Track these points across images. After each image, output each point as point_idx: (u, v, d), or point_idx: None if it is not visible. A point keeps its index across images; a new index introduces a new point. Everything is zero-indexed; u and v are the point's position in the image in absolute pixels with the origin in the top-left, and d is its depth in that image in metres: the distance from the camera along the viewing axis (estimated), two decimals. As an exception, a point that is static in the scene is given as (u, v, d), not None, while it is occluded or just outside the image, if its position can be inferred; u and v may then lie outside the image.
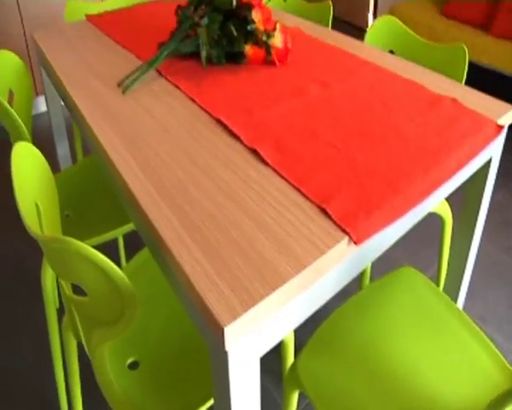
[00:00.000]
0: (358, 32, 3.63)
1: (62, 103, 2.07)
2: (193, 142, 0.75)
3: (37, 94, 2.40)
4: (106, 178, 1.19)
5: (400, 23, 1.27)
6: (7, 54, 1.19)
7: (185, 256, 0.53)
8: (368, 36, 1.30)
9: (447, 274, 1.09)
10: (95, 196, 1.14)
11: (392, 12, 2.63)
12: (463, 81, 1.08)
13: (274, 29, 1.02)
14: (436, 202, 0.76)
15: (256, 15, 1.02)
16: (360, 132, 0.76)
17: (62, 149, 1.40)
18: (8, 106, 0.92)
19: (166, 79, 0.97)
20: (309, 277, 0.53)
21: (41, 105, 2.46)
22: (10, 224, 1.66)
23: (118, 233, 1.02)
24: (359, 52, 1.11)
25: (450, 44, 1.13)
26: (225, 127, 0.78)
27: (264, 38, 0.99)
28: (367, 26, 3.69)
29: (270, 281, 0.50)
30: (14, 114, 0.92)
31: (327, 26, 1.42)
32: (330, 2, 1.44)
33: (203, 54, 0.95)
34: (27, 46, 2.36)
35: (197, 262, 0.53)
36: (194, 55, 1.05)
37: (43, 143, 1.99)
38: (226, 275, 0.51)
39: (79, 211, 1.09)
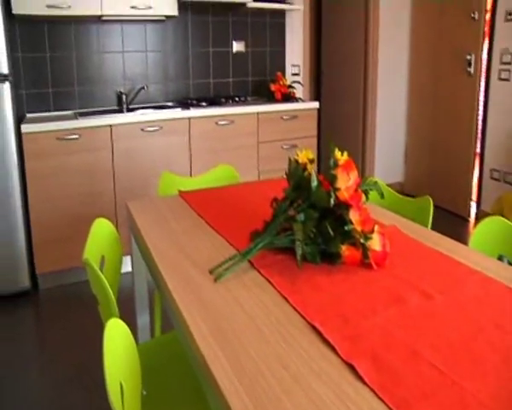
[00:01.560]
0: (460, 221, 3.88)
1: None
2: (285, 345, 0.91)
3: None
4: (186, 360, 1.35)
5: (510, 224, 1.44)
6: (103, 222, 1.54)
7: None
8: (473, 238, 1.47)
9: None
10: (173, 376, 1.30)
11: (501, 202, 2.86)
12: None
13: (372, 231, 1.24)
14: None
15: (354, 215, 1.26)
16: (468, 356, 0.86)
17: (142, 320, 1.63)
18: (103, 278, 1.18)
19: (259, 271, 1.20)
20: None
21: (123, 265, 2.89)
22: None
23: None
24: (464, 258, 1.27)
25: None
26: (320, 334, 0.94)
27: (361, 240, 1.21)
28: (469, 216, 3.95)
29: None
30: (108, 287, 1.17)
31: (427, 223, 1.63)
32: (430, 199, 1.69)
33: (298, 252, 1.18)
34: (116, 208, 2.93)
35: None
36: (288, 249, 1.28)
37: (125, 305, 2.28)
38: None
39: (156, 389, 1.24)
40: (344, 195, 1.24)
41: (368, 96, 4.51)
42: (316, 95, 5.39)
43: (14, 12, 2.74)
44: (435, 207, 4.17)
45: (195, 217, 1.61)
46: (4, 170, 2.68)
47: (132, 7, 3.02)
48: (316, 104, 3.55)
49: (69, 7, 2.85)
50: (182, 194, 1.86)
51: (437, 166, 4.26)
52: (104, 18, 3.06)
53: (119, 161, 2.95)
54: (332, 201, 1.26)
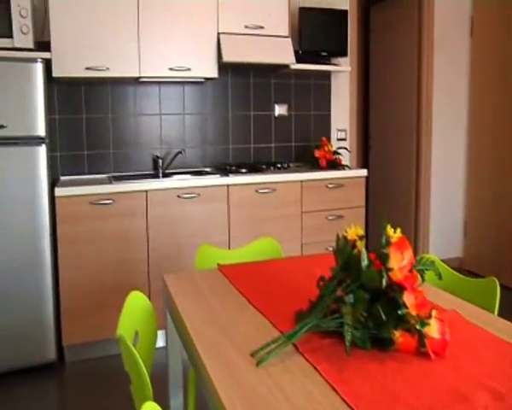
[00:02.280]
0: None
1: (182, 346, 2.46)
2: (334, 441, 0.92)
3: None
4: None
5: None
6: (138, 295, 1.61)
7: None
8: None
9: None
10: None
11: None
12: None
13: (429, 316, 1.25)
14: None
15: (408, 299, 1.28)
16: None
17: (176, 402, 1.66)
18: (138, 358, 1.24)
19: (304, 356, 1.22)
20: None
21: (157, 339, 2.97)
22: None
23: None
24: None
25: None
26: (372, 430, 0.95)
27: (417, 326, 1.23)
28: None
29: None
30: (143, 368, 1.22)
31: (493, 308, 1.62)
32: (496, 280, 1.68)
33: (347, 337, 1.21)
34: (149, 278, 3.05)
35: None
36: (336, 332, 1.31)
37: (157, 382, 2.31)
38: None
39: None
40: (397, 275, 1.27)
41: (421, 164, 4.57)
42: (363, 162, 5.49)
43: (54, 75, 3.01)
44: (503, 288, 4.07)
45: (235, 293, 1.67)
46: (36, 234, 2.84)
47: (171, 69, 3.26)
48: (363, 172, 3.64)
49: (107, 69, 3.11)
50: (221, 268, 1.93)
51: (504, 241, 4.19)
52: (142, 79, 3.30)
53: (154, 229, 3.08)
54: (384, 282, 1.29)
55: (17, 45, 2.85)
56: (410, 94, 4.65)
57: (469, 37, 4.52)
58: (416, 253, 4.43)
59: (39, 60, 2.81)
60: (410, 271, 1.30)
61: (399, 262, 1.28)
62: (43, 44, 3.07)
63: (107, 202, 2.96)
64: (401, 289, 1.29)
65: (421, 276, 1.35)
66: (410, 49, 4.62)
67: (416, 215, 4.65)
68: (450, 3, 4.45)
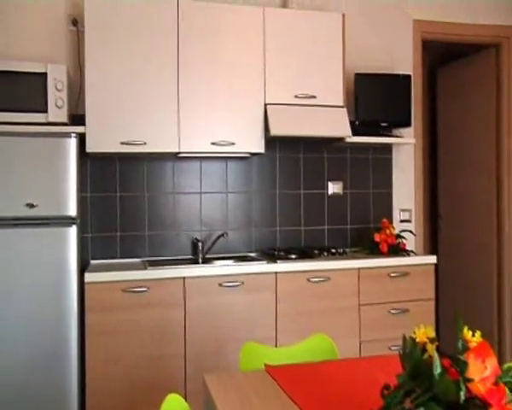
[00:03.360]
0: None
1: None
2: None
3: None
4: None
5: None
6: (175, 398, 1.65)
7: None
8: None
9: None
10: None
11: None
12: None
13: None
14: None
15: (491, 416, 1.26)
16: None
17: None
18: None
19: None
20: None
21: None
22: None
23: None
24: None
25: None
26: None
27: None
28: None
29: None
30: None
31: None
32: None
33: (421, 457, 1.20)
34: (185, 375, 3.13)
35: None
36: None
37: None
38: None
39: None
40: (479, 388, 1.24)
41: (503, 248, 4.50)
42: (432, 246, 5.45)
43: (88, 150, 3.21)
44: None
45: (285, 399, 1.68)
46: (63, 322, 2.96)
47: (213, 143, 3.42)
48: (432, 258, 3.63)
49: (145, 143, 3.30)
50: (268, 369, 1.95)
51: None
52: (181, 155, 3.47)
53: (193, 320, 3.14)
54: (462, 395, 1.26)
55: (51, 120, 3.10)
56: (488, 166, 4.64)
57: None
58: (501, 361, 4.27)
59: (73, 135, 3.02)
60: (495, 383, 1.26)
61: (481, 372, 1.25)
62: (77, 117, 3.32)
63: (141, 289, 3.06)
64: (485, 405, 1.25)
65: (511, 390, 1.30)
66: (487, 113, 4.66)
67: (499, 312, 4.51)
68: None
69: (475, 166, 4.78)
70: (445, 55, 5.35)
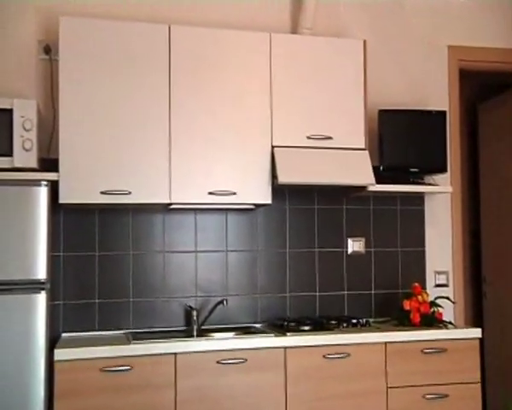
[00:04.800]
0: None
1: None
2: None
3: None
4: None
5: None
6: None
7: None
8: None
9: None
10: None
11: None
12: None
13: None
14: None
15: None
16: None
17: None
18: None
19: None
20: None
21: None
22: None
23: None
24: None
25: None
26: None
27: None
28: None
29: None
30: None
31: None
32: None
33: None
34: None
35: None
36: None
37: None
38: None
39: None
40: None
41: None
42: (476, 317, 5.41)
43: (61, 201, 3.23)
44: None
45: None
46: (26, 412, 2.91)
47: (211, 193, 3.45)
48: (476, 332, 3.62)
49: (129, 193, 3.32)
50: None
51: None
52: (173, 206, 3.50)
53: (186, 405, 3.12)
54: None
55: (17, 165, 3.11)
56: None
57: None
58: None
59: (44, 183, 3.04)
60: None
61: None
62: (48, 162, 3.34)
63: (124, 368, 3.04)
64: None
65: None
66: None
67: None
68: None
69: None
70: (487, 87, 5.39)
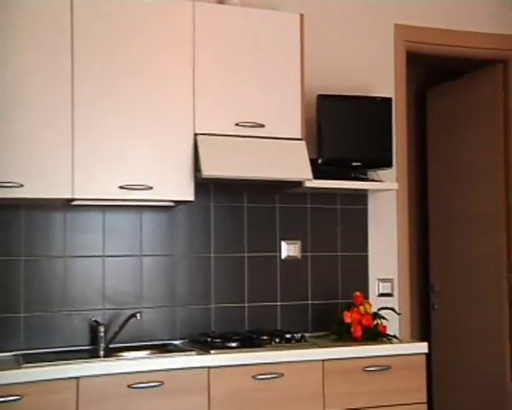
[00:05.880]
0: None
1: None
2: None
3: None
4: None
5: None
6: None
7: None
8: None
9: None
10: None
11: None
12: None
13: None
14: None
15: None
16: None
17: None
18: None
19: None
20: None
21: None
22: None
23: None
24: None
25: None
26: None
27: None
28: None
29: None
30: None
31: None
32: None
33: None
34: None
35: None
36: None
37: None
38: None
39: None
40: None
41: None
42: (422, 330, 5.52)
43: None
44: None
45: None
46: None
47: (122, 187, 3.35)
48: (422, 347, 3.70)
49: (21, 186, 3.16)
50: None
51: None
52: (76, 202, 3.39)
53: (90, 441, 3.04)
54: None
55: None
56: (495, 219, 4.75)
57: None
58: None
59: None
60: None
61: None
62: None
63: (12, 398, 2.88)
64: None
65: None
66: (493, 147, 4.79)
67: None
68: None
69: (478, 220, 4.90)
70: (436, 72, 5.47)
